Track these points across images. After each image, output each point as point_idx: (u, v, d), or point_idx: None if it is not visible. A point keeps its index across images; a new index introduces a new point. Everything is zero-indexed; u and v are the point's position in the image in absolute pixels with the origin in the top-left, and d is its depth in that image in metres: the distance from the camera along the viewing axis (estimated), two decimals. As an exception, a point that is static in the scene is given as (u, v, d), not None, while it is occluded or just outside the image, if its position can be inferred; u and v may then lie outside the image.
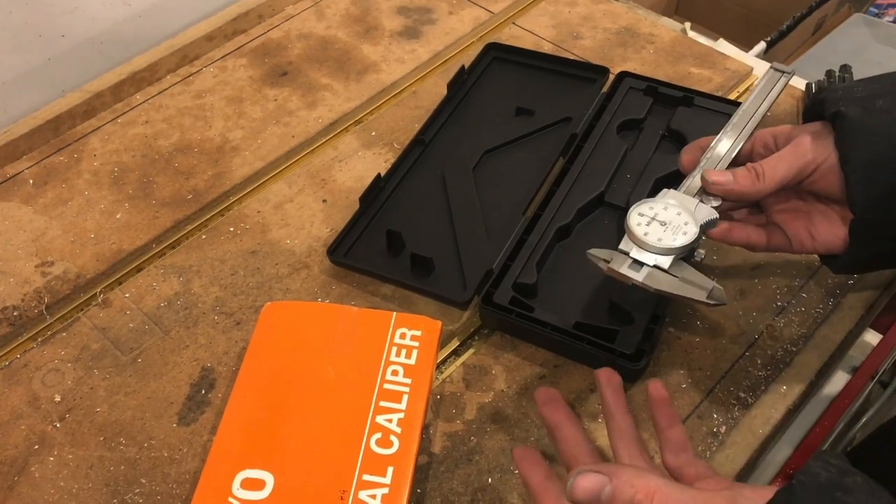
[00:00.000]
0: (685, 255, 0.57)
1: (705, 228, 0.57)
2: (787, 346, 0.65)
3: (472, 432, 0.62)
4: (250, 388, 0.60)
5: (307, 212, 0.77)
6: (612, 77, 0.83)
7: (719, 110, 0.78)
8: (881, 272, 0.69)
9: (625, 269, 0.56)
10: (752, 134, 0.60)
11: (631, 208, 0.58)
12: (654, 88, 0.81)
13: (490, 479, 0.59)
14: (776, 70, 0.64)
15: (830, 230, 0.57)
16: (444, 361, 0.66)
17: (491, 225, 0.72)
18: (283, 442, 0.57)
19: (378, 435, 0.57)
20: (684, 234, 0.56)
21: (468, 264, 0.70)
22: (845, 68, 1.04)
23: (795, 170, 0.56)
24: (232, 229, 0.76)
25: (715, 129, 0.76)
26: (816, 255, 0.60)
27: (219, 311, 0.70)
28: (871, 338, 0.75)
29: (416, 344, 0.61)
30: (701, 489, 0.44)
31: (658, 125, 0.79)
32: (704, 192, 0.58)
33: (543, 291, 0.68)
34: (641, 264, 0.56)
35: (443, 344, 0.67)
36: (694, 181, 0.59)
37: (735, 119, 0.61)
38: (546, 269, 0.69)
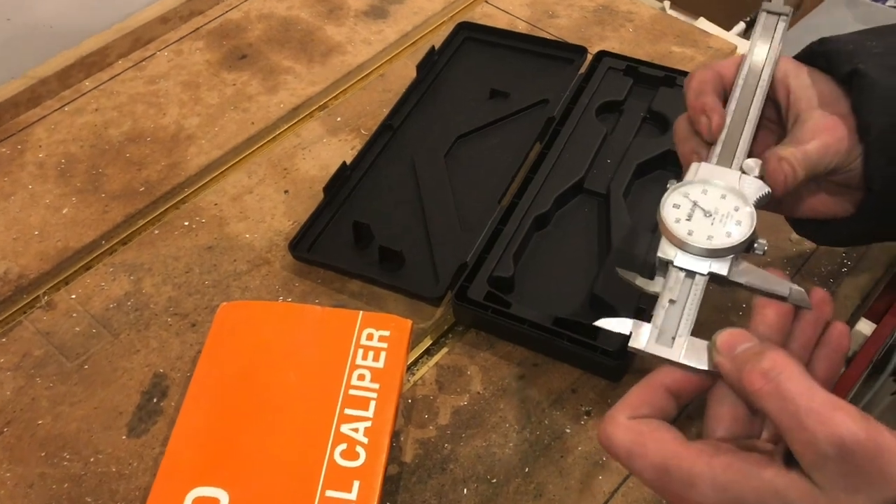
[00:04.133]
0: (745, 249, 0.44)
1: (758, 206, 0.45)
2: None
3: (445, 439, 0.57)
4: (203, 396, 0.55)
5: (268, 203, 0.72)
6: (589, 57, 0.78)
7: (704, 90, 0.74)
8: (876, 256, 0.66)
9: (684, 357, 0.40)
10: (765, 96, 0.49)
11: (663, 198, 0.45)
12: (634, 68, 0.77)
13: (466, 490, 0.55)
14: (770, 13, 0.53)
15: (819, 198, 0.51)
16: (415, 362, 0.62)
17: (464, 215, 0.68)
18: (240, 455, 0.52)
19: (343, 446, 0.52)
20: (738, 223, 0.43)
21: (440, 257, 0.65)
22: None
23: (834, 161, 0.47)
24: (187, 223, 0.71)
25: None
26: (787, 222, 0.55)
27: (172, 312, 0.65)
28: (864, 327, 0.71)
29: (385, 345, 0.57)
30: None
31: (639, 107, 0.74)
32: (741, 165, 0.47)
33: (521, 285, 0.64)
34: (693, 274, 0.43)
35: (414, 343, 0.62)
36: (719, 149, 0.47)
37: (741, 82, 0.50)
38: (523, 261, 0.65)
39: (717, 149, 0.48)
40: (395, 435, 0.57)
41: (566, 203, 0.68)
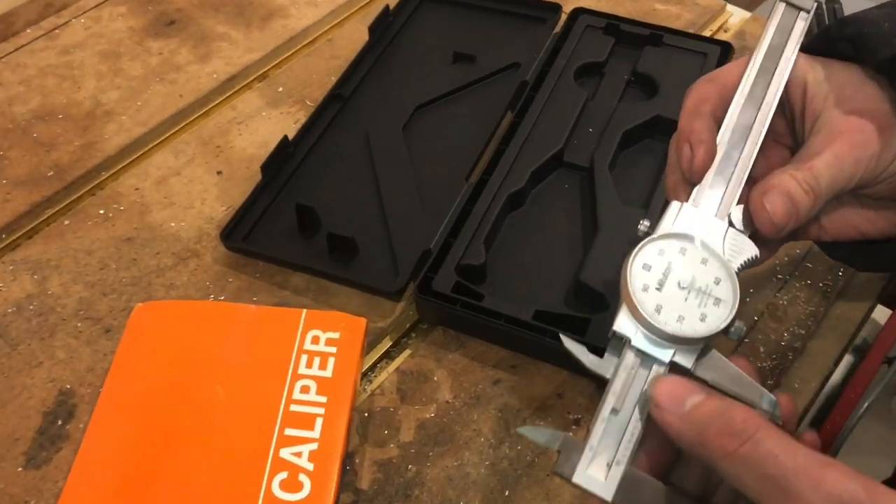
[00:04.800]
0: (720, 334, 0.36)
1: (745, 269, 0.37)
2: (795, 329, 0.53)
3: (409, 459, 0.48)
4: (113, 417, 0.46)
5: (198, 187, 0.62)
6: (565, 15, 0.70)
7: (694, 49, 0.66)
8: None
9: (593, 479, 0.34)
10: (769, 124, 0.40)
11: (633, 253, 0.36)
12: (615, 27, 0.68)
13: (435, 520, 0.46)
14: (790, 5, 0.41)
15: (851, 215, 0.42)
16: (371, 368, 0.53)
17: (427, 195, 0.59)
18: (155, 488, 0.43)
19: (283, 475, 0.43)
20: (716, 302, 0.35)
21: (400, 245, 0.56)
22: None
23: (858, 173, 0.38)
24: (102, 212, 0.61)
25: (692, 72, 0.64)
26: (816, 245, 0.46)
27: (83, 316, 0.55)
28: (879, 315, 0.63)
29: (334, 350, 0.48)
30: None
31: (622, 69, 0.66)
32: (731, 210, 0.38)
33: (494, 274, 0.55)
34: (651, 360, 0.35)
35: (371, 346, 0.53)
36: (704, 194, 0.39)
37: (740, 102, 0.40)
38: (496, 246, 0.56)
39: (704, 191, 0.39)
40: (349, 457, 0.48)
41: (544, 179, 0.60)
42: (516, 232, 0.58)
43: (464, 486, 0.47)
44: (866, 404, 0.68)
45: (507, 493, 0.47)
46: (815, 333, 0.53)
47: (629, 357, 0.35)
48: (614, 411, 0.35)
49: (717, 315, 0.35)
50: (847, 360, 0.65)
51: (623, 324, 0.35)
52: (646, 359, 0.35)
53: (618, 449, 0.34)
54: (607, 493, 0.33)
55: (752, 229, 0.38)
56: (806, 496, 0.28)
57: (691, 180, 0.39)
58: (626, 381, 0.35)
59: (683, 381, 0.33)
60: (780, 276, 0.56)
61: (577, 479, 0.34)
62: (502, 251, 0.57)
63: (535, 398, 0.51)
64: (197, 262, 0.58)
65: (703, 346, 0.35)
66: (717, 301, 0.35)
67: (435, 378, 0.52)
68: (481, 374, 0.52)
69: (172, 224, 0.60)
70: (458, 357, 0.53)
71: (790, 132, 0.42)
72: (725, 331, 0.35)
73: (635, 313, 0.35)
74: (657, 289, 0.35)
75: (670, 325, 0.35)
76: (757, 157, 0.39)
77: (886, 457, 0.91)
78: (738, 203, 0.38)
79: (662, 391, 0.33)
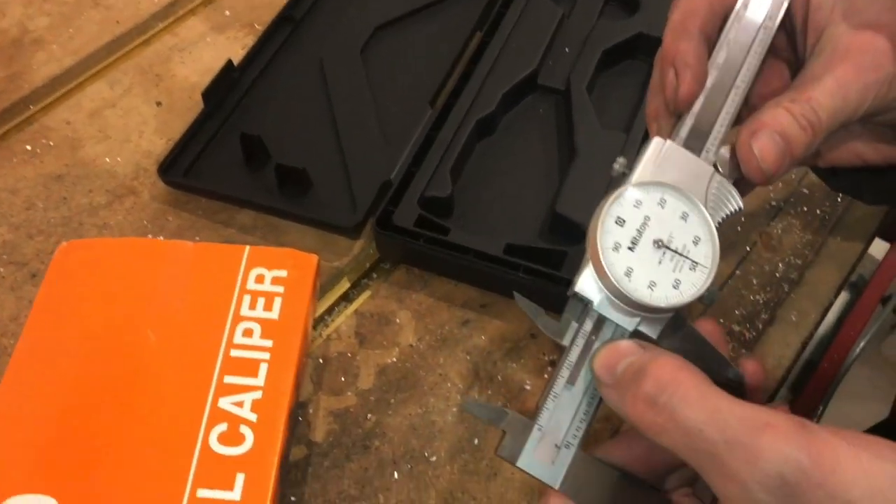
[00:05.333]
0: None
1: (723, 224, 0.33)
2: (791, 259, 0.48)
3: (369, 407, 0.44)
4: (31, 368, 0.40)
5: (135, 119, 0.56)
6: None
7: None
8: None
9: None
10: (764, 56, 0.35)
11: (605, 205, 0.31)
12: (593, -62, 0.62)
13: (397, 474, 0.41)
14: None
15: (857, 142, 0.37)
16: (328, 311, 0.48)
17: (387, 122, 0.54)
18: (78, 447, 0.38)
19: (222, 427, 0.38)
20: (692, 266, 0.31)
21: (358, 176, 0.51)
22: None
23: (866, 101, 0.32)
24: (29, 148, 0.55)
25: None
26: (814, 173, 0.42)
27: (6, 260, 0.50)
28: (877, 250, 0.59)
29: (281, 289, 0.43)
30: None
31: (601, -16, 0.60)
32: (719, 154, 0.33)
33: (462, 207, 0.50)
34: (613, 328, 0.31)
35: (327, 287, 0.48)
36: (689, 125, 0.34)
37: (731, 33, 0.35)
38: (464, 176, 0.52)
39: (687, 125, 0.33)
40: (301, 407, 0.43)
41: (516, 103, 0.56)
42: (486, 160, 0.53)
43: (429, 435, 0.43)
44: (862, 344, 0.64)
45: (475, 441, 0.42)
46: (813, 262, 0.48)
47: (589, 323, 0.31)
48: (568, 385, 0.30)
49: (691, 282, 0.30)
50: (843, 297, 0.61)
51: (586, 284, 0.31)
52: (607, 325, 0.31)
53: (568, 429, 0.30)
54: (554, 479, 0.29)
55: (739, 175, 0.33)
56: (742, 476, 0.24)
57: (675, 110, 0.34)
58: (583, 351, 0.31)
59: (622, 344, 0.29)
60: (773, 204, 0.51)
61: (521, 463, 0.30)
62: (471, 182, 0.52)
63: (506, 339, 0.46)
64: (134, 200, 0.52)
65: (671, 315, 0.31)
66: (694, 265, 0.31)
67: (397, 320, 0.47)
68: (448, 315, 0.47)
69: (107, 160, 0.54)
70: (423, 297, 0.48)
71: (790, 46, 0.37)
72: (699, 299, 0.31)
73: (602, 276, 0.30)
74: (629, 248, 0.31)
75: (640, 292, 0.30)
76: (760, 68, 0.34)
77: (877, 402, 0.89)
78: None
79: (599, 360, 0.29)
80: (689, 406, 0.25)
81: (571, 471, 0.29)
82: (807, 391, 0.53)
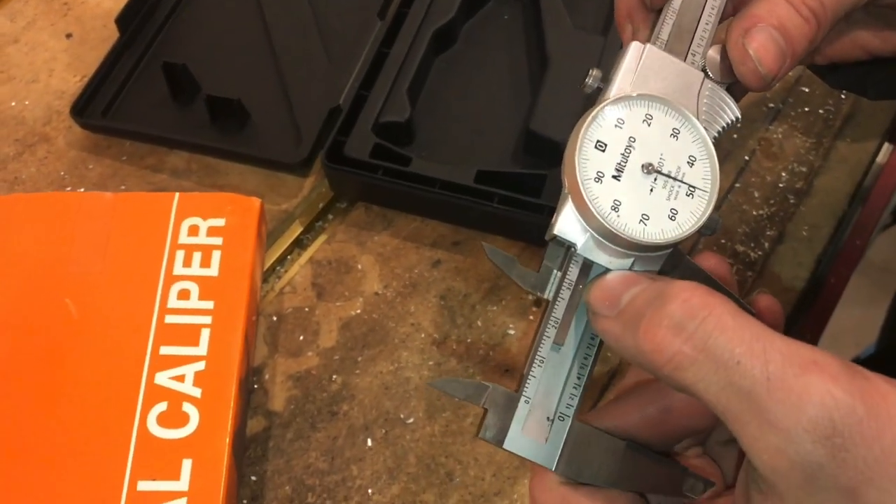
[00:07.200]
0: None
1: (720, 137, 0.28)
2: (795, 167, 0.44)
3: (333, 368, 0.39)
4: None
5: (42, 55, 0.50)
6: None
7: None
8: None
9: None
10: None
11: (581, 128, 0.26)
12: None
13: (370, 441, 0.37)
14: None
15: (857, 33, 0.32)
16: (280, 262, 0.42)
17: (332, 40, 0.50)
18: (-9, 444, 0.32)
19: (161, 407, 0.33)
20: (690, 192, 0.26)
21: (301, 105, 0.46)
22: None
23: None
24: (-79, 96, 0.48)
25: None
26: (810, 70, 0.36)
27: None
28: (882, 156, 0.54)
29: (219, 241, 0.37)
30: None
31: None
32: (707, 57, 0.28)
33: (424, 132, 0.46)
34: (603, 272, 0.26)
35: (275, 234, 0.43)
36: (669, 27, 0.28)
37: None
38: (424, 97, 0.47)
39: (668, 24, 0.27)
40: (255, 373, 0.38)
41: (477, 9, 0.51)
42: (448, 78, 0.48)
43: (403, 395, 0.38)
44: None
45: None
46: (821, 169, 0.43)
47: (574, 270, 0.25)
48: (556, 347, 0.25)
49: (690, 210, 0.25)
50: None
51: (567, 225, 0.25)
52: (594, 272, 0.26)
53: (560, 398, 0.25)
54: (549, 459, 0.25)
55: (732, 79, 0.27)
56: (784, 422, 0.20)
57: (652, 4, 0.28)
58: (570, 304, 0.25)
59: (623, 274, 0.24)
60: (770, 105, 0.46)
61: (509, 445, 0.25)
62: (432, 103, 0.47)
63: (484, 279, 0.41)
64: (47, 149, 0.46)
65: (670, 251, 0.26)
66: (692, 190, 0.26)
67: (359, 266, 0.42)
68: (416, 257, 0.42)
69: (13, 103, 0.49)
70: (387, 238, 0.43)
71: None
72: (700, 230, 0.25)
73: (585, 212, 0.25)
74: (614, 177, 0.25)
75: (631, 228, 0.25)
76: None
77: (862, 307, 0.86)
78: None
79: (595, 292, 0.24)
80: (724, 333, 0.21)
81: (569, 447, 0.25)
82: (814, 310, 0.49)
